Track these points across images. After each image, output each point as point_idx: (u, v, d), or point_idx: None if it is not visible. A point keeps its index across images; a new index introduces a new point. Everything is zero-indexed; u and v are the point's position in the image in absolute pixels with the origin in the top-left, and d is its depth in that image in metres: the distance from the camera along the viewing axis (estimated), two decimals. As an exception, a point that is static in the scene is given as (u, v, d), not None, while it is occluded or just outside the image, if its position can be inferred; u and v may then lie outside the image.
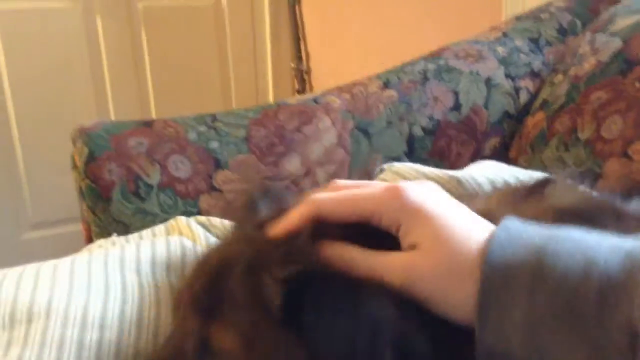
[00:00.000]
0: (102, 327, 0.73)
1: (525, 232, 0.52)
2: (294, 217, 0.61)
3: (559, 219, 0.59)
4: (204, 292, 0.61)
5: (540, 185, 0.70)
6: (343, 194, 0.61)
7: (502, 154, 1.55)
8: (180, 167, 1.18)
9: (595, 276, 0.46)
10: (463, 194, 0.89)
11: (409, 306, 0.53)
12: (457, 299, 0.52)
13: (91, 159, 1.14)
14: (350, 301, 0.52)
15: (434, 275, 0.53)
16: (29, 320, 0.72)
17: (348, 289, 0.53)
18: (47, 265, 0.82)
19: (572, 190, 0.70)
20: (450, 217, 0.56)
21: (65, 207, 2.28)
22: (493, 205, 0.69)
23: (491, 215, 0.60)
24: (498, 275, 0.50)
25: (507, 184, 0.87)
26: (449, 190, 0.90)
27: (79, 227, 1.27)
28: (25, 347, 0.69)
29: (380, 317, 0.51)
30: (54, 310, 0.73)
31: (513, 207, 0.66)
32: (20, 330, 0.71)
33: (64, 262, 0.83)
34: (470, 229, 0.55)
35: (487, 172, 0.93)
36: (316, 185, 1.32)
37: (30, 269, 0.81)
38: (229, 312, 0.58)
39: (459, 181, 0.90)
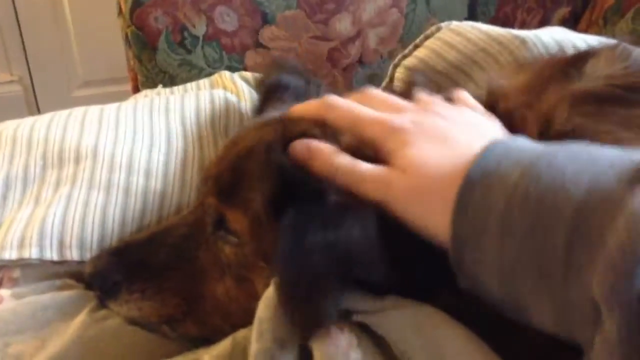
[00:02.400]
0: (147, 174, 0.74)
1: (512, 157, 0.44)
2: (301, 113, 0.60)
3: (575, 104, 0.55)
4: (227, 172, 0.61)
5: (584, 56, 0.63)
6: (356, 110, 0.57)
7: (570, 27, 1.42)
8: (227, 20, 1.13)
9: (568, 213, 0.39)
10: (521, 57, 0.82)
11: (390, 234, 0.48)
12: (433, 225, 0.47)
13: (137, 4, 1.09)
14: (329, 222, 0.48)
15: (408, 197, 0.49)
16: (77, 161, 0.73)
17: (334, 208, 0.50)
18: (94, 110, 0.82)
19: (612, 64, 0.62)
20: (449, 141, 0.51)
21: (115, 66, 2.29)
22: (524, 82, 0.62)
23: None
24: (471, 211, 0.44)
25: (575, 49, 0.79)
26: (511, 51, 0.84)
27: (128, 87, 1.27)
28: (74, 187, 0.71)
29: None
30: (100, 154, 0.74)
31: (541, 89, 0.59)
32: (69, 169, 0.73)
33: (110, 108, 0.83)
34: (465, 152, 0.48)
35: (555, 34, 0.84)
36: (366, 48, 1.25)
37: (77, 112, 0.81)
38: (243, 193, 0.58)
39: (523, 41, 0.83)
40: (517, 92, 0.61)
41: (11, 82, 2.47)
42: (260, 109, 0.78)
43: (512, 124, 0.57)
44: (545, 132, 0.55)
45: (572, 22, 1.43)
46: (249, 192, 0.58)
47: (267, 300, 0.49)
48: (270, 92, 0.76)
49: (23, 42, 2.40)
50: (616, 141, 0.53)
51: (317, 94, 0.75)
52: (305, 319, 0.47)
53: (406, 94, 0.63)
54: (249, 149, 0.61)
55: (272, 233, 0.56)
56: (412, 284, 0.48)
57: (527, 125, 0.57)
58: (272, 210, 0.55)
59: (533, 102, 0.58)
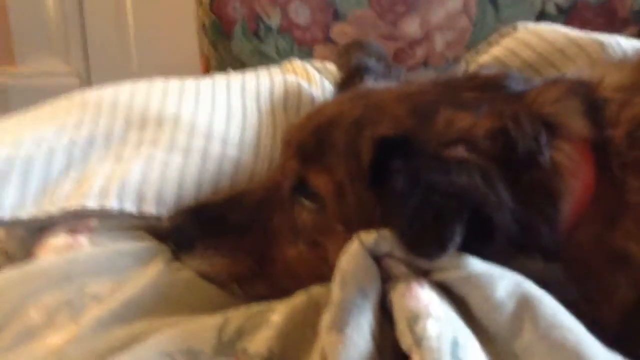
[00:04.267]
0: (225, 142, 0.76)
1: None
2: None
3: None
4: (311, 138, 0.63)
5: None
6: None
7: (639, 46, 1.40)
8: (300, 13, 1.16)
9: None
10: (602, 59, 0.82)
11: (494, 180, 0.51)
12: None
13: (218, -6, 1.13)
14: (441, 174, 0.50)
15: None
16: (159, 125, 0.76)
17: (440, 162, 0.52)
18: (174, 81, 0.85)
19: None
20: None
21: (172, 63, 2.33)
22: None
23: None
24: None
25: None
26: (589, 54, 0.84)
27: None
28: (155, 148, 0.73)
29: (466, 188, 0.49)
30: (181, 120, 0.76)
31: (632, 90, 0.59)
32: (151, 132, 0.75)
33: (190, 81, 0.85)
34: None
35: (635, 42, 0.84)
36: (432, 52, 1.26)
37: (158, 82, 0.84)
38: (328, 158, 0.60)
39: (602, 45, 0.82)
40: (614, 88, 0.60)
41: (68, 74, 2.44)
42: (341, 87, 0.80)
43: (603, 117, 0.58)
44: (636, 130, 0.56)
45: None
46: (334, 159, 0.60)
47: (352, 252, 0.49)
48: (352, 73, 0.78)
49: (85, 35, 2.44)
50: None
51: (397, 79, 0.77)
52: (430, 243, 0.47)
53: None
54: (332, 119, 0.63)
55: (356, 199, 0.58)
56: (519, 239, 0.48)
57: (619, 122, 0.57)
58: (364, 178, 0.56)
59: (628, 102, 0.58)
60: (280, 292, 0.59)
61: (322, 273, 0.54)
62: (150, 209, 0.68)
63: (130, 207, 0.68)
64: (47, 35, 2.49)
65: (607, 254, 0.51)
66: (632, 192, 0.53)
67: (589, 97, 0.59)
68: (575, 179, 0.54)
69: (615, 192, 0.54)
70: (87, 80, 2.58)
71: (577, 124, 0.57)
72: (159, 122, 0.76)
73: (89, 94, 0.85)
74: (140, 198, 0.68)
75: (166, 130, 0.75)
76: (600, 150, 0.56)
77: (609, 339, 0.46)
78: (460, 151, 0.53)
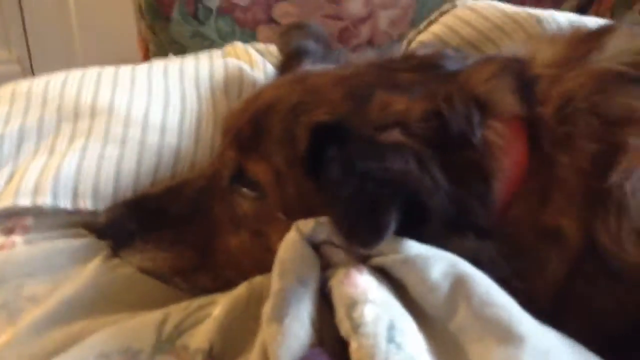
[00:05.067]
0: (163, 131, 0.74)
1: None
2: None
3: (602, 85, 0.56)
4: (248, 125, 0.62)
5: (602, 31, 0.64)
6: None
7: (578, 19, 1.43)
8: (241, -6, 1.13)
9: None
10: (537, 34, 0.83)
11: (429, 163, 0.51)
12: None
13: (152, -25, 1.09)
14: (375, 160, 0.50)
15: None
16: (92, 116, 0.73)
17: (374, 147, 0.52)
18: (108, 69, 0.82)
19: (631, 39, 0.63)
20: None
21: (115, 50, 2.27)
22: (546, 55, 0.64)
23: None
24: None
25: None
26: (526, 30, 0.85)
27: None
28: (89, 140, 0.71)
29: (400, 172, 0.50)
30: (116, 110, 0.74)
31: (563, 65, 0.61)
32: (84, 123, 0.73)
33: (125, 68, 0.83)
34: None
35: (570, 16, 0.85)
36: (377, 30, 1.26)
37: (92, 71, 0.81)
38: (266, 146, 0.59)
39: (538, 20, 0.84)
40: (545, 65, 0.61)
41: (9, 61, 2.38)
42: (281, 70, 0.79)
43: (534, 95, 0.58)
44: (565, 106, 0.57)
45: (579, 14, 1.45)
46: (271, 146, 0.59)
47: (290, 242, 0.49)
48: (291, 56, 0.77)
49: (24, 22, 2.37)
50: (629, 111, 0.55)
51: (337, 61, 0.76)
52: (366, 232, 0.47)
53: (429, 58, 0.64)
54: (269, 106, 0.62)
55: (295, 186, 0.57)
56: (454, 219, 0.49)
57: (549, 99, 0.58)
58: (302, 165, 0.56)
59: (558, 78, 0.59)
60: (225, 283, 0.58)
61: (266, 262, 0.53)
62: (86, 204, 0.66)
63: (65, 203, 0.65)
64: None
65: (539, 230, 0.53)
66: (562, 168, 0.54)
67: (521, 74, 0.60)
68: (507, 157, 0.55)
69: (547, 169, 0.55)
70: (29, 67, 2.50)
71: (508, 102, 0.58)
72: (93, 112, 0.74)
73: (18, 84, 0.81)
74: (75, 193, 0.66)
75: (100, 120, 0.73)
76: (531, 127, 0.57)
77: (544, 314, 0.47)
78: (395, 135, 0.53)
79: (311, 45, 0.77)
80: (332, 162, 0.51)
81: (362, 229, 0.47)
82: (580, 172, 0.54)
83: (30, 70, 2.49)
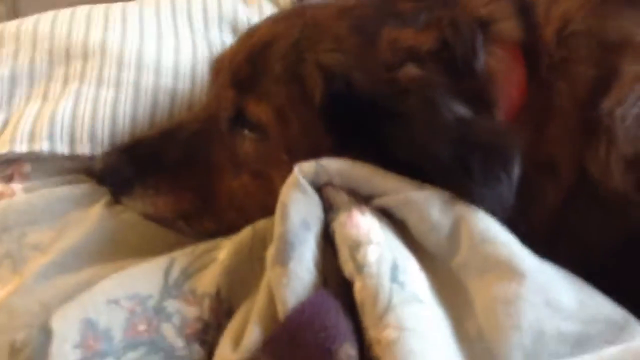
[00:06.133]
0: (157, 71, 0.72)
1: None
2: None
3: (599, 7, 0.55)
4: (245, 64, 0.60)
5: None
6: None
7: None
8: None
9: None
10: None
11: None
12: None
13: None
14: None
15: None
16: (85, 58, 0.71)
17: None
18: (99, 7, 0.79)
19: None
20: None
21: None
22: None
23: None
24: None
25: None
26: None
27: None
28: (83, 83, 0.69)
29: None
30: (108, 51, 0.72)
31: None
32: (77, 65, 0.71)
33: (116, 6, 0.79)
34: None
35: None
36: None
37: (81, 9, 0.78)
38: (266, 85, 0.58)
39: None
40: None
41: None
42: None
43: (533, 18, 0.57)
44: (564, 29, 0.56)
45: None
46: (272, 85, 0.58)
47: (291, 184, 0.49)
48: None
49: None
50: (625, 35, 0.54)
51: None
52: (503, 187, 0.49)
53: None
54: (268, 42, 0.60)
55: (299, 127, 0.57)
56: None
57: (548, 21, 0.57)
58: (311, 107, 0.55)
59: (555, 0, 0.58)
60: (228, 226, 0.58)
61: (269, 205, 0.53)
62: (83, 148, 0.65)
63: (62, 148, 0.65)
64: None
65: (535, 161, 0.52)
66: (559, 96, 0.54)
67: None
68: (507, 84, 0.55)
69: (545, 96, 0.54)
70: (12, 7, 2.41)
71: (509, 26, 0.57)
72: (85, 54, 0.72)
73: (6, 26, 0.79)
74: (72, 138, 0.65)
75: (93, 62, 0.71)
76: (531, 52, 0.56)
77: (540, 246, 0.48)
78: (411, 70, 0.53)
79: None
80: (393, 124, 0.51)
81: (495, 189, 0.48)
82: (576, 99, 0.53)
83: (13, 10, 2.41)
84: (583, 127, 0.52)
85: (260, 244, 0.51)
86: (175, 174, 0.62)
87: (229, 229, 0.57)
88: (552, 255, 0.48)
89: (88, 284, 0.50)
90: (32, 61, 0.72)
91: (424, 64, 0.54)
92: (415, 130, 0.51)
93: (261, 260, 0.49)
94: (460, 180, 0.49)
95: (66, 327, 0.44)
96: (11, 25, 0.78)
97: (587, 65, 0.54)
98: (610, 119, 0.51)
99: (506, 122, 0.54)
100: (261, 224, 0.54)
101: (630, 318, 0.45)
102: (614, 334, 0.43)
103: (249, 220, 0.56)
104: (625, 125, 0.50)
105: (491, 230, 0.46)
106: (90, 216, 0.59)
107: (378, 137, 0.52)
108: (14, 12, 2.33)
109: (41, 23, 0.76)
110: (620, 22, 0.55)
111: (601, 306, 0.45)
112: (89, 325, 0.44)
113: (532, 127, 0.54)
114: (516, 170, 0.49)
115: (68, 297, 0.49)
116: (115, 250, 0.56)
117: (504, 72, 0.55)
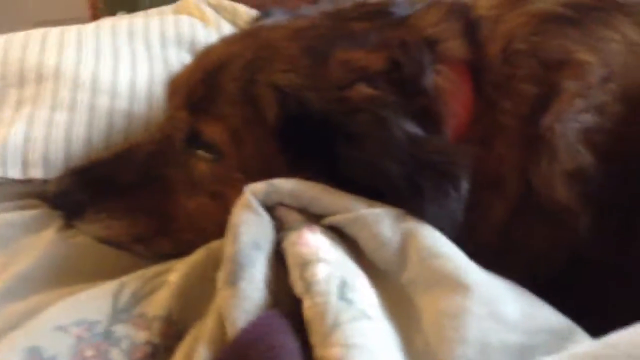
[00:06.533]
0: (113, 94, 0.72)
1: None
2: None
3: (541, 25, 0.57)
4: (200, 85, 0.61)
5: None
6: None
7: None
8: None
9: None
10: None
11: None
12: None
13: None
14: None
15: None
16: (39, 81, 0.71)
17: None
18: (54, 31, 0.78)
19: None
20: None
21: (71, 4, 2.19)
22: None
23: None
24: None
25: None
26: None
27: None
28: (37, 106, 0.69)
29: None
30: (63, 74, 0.72)
31: (503, 7, 0.62)
32: (30, 89, 0.70)
33: (70, 29, 0.79)
34: None
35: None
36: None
37: (36, 33, 0.78)
38: (220, 106, 0.58)
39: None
40: (487, 7, 0.62)
41: None
42: None
43: (479, 33, 0.59)
44: (507, 47, 0.58)
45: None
46: (226, 106, 0.58)
47: (242, 205, 0.49)
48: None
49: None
50: (565, 53, 0.56)
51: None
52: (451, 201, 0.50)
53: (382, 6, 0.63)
54: (222, 63, 0.61)
55: (254, 146, 0.57)
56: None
57: (494, 39, 0.59)
58: (264, 127, 0.56)
59: (500, 18, 0.60)
60: (186, 247, 0.58)
61: (226, 224, 0.53)
62: (36, 172, 0.65)
63: (14, 172, 0.64)
64: None
65: (482, 176, 0.53)
66: (504, 114, 0.55)
67: (466, 16, 0.61)
68: (454, 102, 0.56)
69: (489, 114, 0.56)
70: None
71: (455, 44, 0.59)
72: (39, 77, 0.71)
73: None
74: (25, 162, 0.65)
75: (47, 85, 0.71)
76: (477, 70, 0.58)
77: (488, 259, 0.48)
78: (362, 89, 0.54)
79: (276, 12, 0.76)
80: (341, 144, 0.52)
81: (444, 203, 0.49)
82: (519, 117, 0.55)
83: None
84: (526, 143, 0.54)
85: (214, 264, 0.51)
86: (130, 196, 0.62)
87: (187, 250, 0.57)
88: (500, 268, 0.49)
89: (36, 312, 0.49)
90: (-16, 85, 0.72)
91: (375, 83, 0.55)
92: (366, 148, 0.52)
93: (214, 281, 0.48)
94: (411, 197, 0.49)
95: (11, 357, 0.43)
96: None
97: (529, 83, 0.55)
98: (550, 134, 0.52)
99: (455, 139, 0.55)
100: (216, 244, 0.53)
101: (576, 328, 0.46)
102: (558, 344, 0.43)
103: (206, 240, 0.56)
104: (566, 141, 0.52)
105: (438, 245, 0.47)
106: (41, 241, 0.58)
107: (330, 156, 0.53)
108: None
109: (-5, 47, 0.76)
110: (561, 40, 0.57)
111: (546, 317, 0.46)
112: (35, 354, 0.43)
113: (479, 144, 0.55)
114: (465, 187, 0.50)
115: (15, 325, 0.48)
116: (67, 275, 0.55)
117: (451, 90, 0.56)
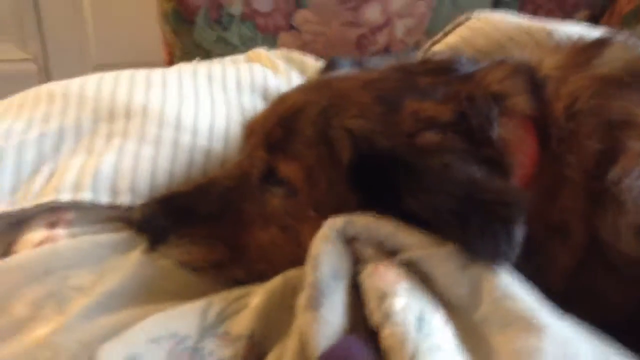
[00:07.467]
0: (194, 132, 0.78)
1: None
2: None
3: (603, 88, 0.60)
4: (277, 127, 0.66)
5: (601, 41, 0.68)
6: None
7: (589, 30, 1.46)
8: (262, 1, 1.17)
9: None
10: (544, 43, 0.87)
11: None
12: None
13: (177, -18, 1.13)
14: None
15: None
16: (128, 117, 0.77)
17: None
18: (141, 72, 0.86)
19: (628, 50, 0.67)
20: None
21: (130, 50, 2.31)
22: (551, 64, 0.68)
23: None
24: None
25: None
26: (538, 41, 0.89)
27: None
28: (126, 139, 0.75)
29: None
30: (150, 111, 0.78)
31: (567, 69, 0.66)
32: (120, 124, 0.77)
33: (156, 71, 0.87)
34: None
35: (580, 28, 0.89)
36: (394, 38, 1.30)
37: (125, 73, 0.85)
38: (297, 147, 0.63)
39: (549, 32, 0.88)
40: (552, 68, 0.66)
41: (26, 60, 2.40)
42: None
43: (544, 94, 0.63)
44: (572, 106, 0.61)
45: (592, 25, 1.48)
46: (302, 147, 0.63)
47: (322, 237, 0.53)
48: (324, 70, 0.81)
49: (40, 20, 2.39)
50: (628, 115, 0.59)
51: (359, 67, 0.80)
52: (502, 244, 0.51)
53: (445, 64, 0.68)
54: (298, 109, 0.66)
55: (326, 185, 0.61)
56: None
57: (559, 97, 0.62)
58: (338, 168, 0.60)
59: (565, 79, 0.64)
60: (257, 276, 0.62)
61: (297, 256, 0.57)
62: (125, 199, 0.70)
63: (104, 198, 0.69)
64: (1, 21, 2.42)
65: (548, 226, 0.56)
66: (569, 167, 0.58)
67: (531, 75, 0.65)
68: (521, 154, 0.59)
69: (555, 167, 0.59)
70: (44, 66, 2.52)
71: (521, 100, 0.62)
72: (128, 113, 0.78)
73: (55, 85, 0.85)
74: (114, 189, 0.70)
75: (135, 121, 0.77)
76: (542, 126, 0.61)
77: (557, 304, 0.50)
78: (431, 136, 0.58)
79: (344, 62, 0.82)
80: (407, 184, 0.55)
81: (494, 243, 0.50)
82: (584, 171, 0.58)
83: (45, 69, 2.51)
84: (591, 196, 0.56)
85: (291, 292, 0.54)
86: (209, 225, 0.66)
87: (259, 279, 0.60)
88: (571, 311, 0.51)
89: (128, 324, 0.52)
90: (78, 118, 0.78)
91: (443, 132, 0.58)
92: (425, 183, 0.54)
93: (291, 308, 0.52)
94: (458, 232, 0.51)
95: (112, 361, 0.47)
96: (60, 85, 0.85)
97: (593, 139, 0.58)
98: (617, 189, 0.55)
99: (518, 187, 0.58)
100: (292, 273, 0.57)
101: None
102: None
103: (277, 270, 0.59)
104: (633, 195, 0.54)
105: (511, 286, 0.49)
106: (129, 262, 0.62)
107: (396, 194, 0.56)
108: (46, 72, 2.46)
109: (87, 84, 0.83)
110: (622, 102, 0.60)
111: (619, 358, 0.47)
112: (133, 361, 0.47)
113: (544, 194, 0.58)
114: (518, 228, 0.51)
115: (109, 336, 0.51)
116: (153, 294, 0.59)
117: (517, 142, 0.60)
